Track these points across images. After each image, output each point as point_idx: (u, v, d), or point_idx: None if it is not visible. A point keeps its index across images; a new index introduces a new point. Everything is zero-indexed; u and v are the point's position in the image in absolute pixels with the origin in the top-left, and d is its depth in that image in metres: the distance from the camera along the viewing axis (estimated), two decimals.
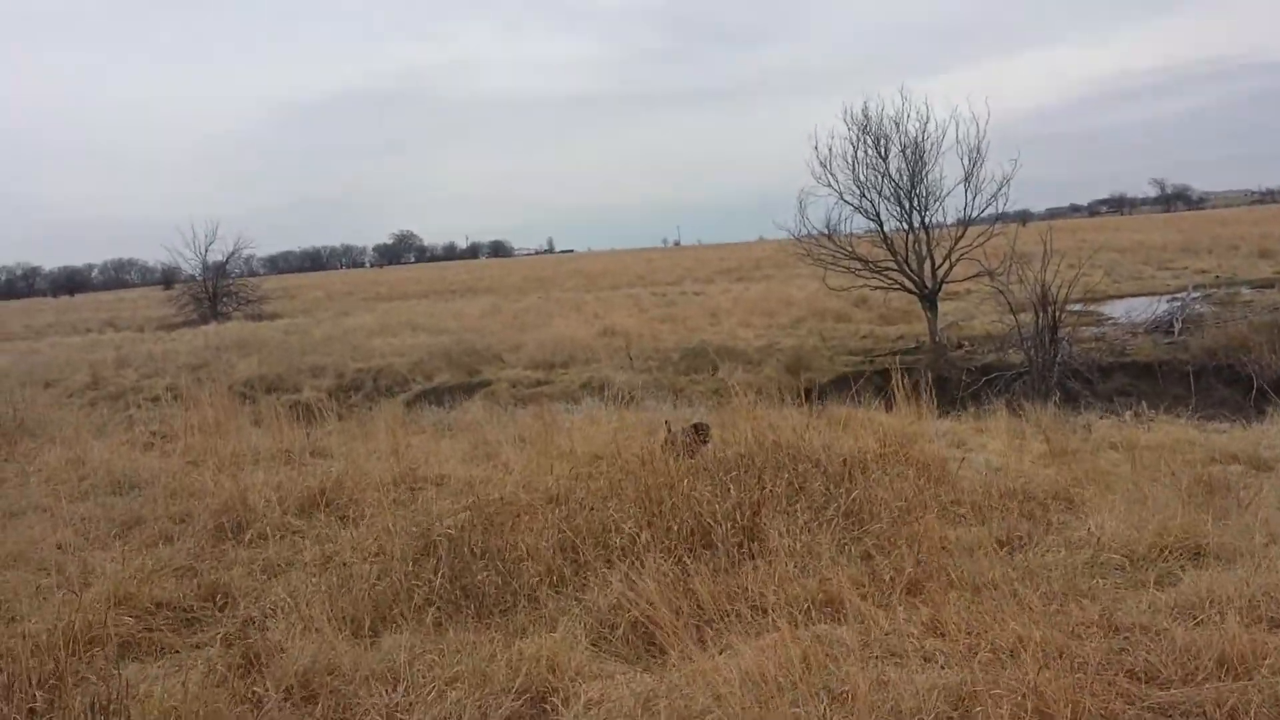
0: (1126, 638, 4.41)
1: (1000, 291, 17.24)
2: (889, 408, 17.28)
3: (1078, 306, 18.96)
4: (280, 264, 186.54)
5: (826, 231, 21.49)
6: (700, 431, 8.24)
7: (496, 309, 39.94)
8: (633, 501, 5.97)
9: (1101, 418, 14.30)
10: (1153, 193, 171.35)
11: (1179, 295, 28.45)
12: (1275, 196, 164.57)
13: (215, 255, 52.20)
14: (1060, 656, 4.12)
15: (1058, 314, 16.67)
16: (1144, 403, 17.19)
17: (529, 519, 5.84)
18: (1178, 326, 21.25)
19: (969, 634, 4.39)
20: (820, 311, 30.67)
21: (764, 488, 6.01)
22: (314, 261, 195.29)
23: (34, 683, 3.84)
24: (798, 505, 5.99)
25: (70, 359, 31.23)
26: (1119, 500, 7.05)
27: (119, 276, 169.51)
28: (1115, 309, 26.83)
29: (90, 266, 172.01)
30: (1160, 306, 23.81)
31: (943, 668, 4.18)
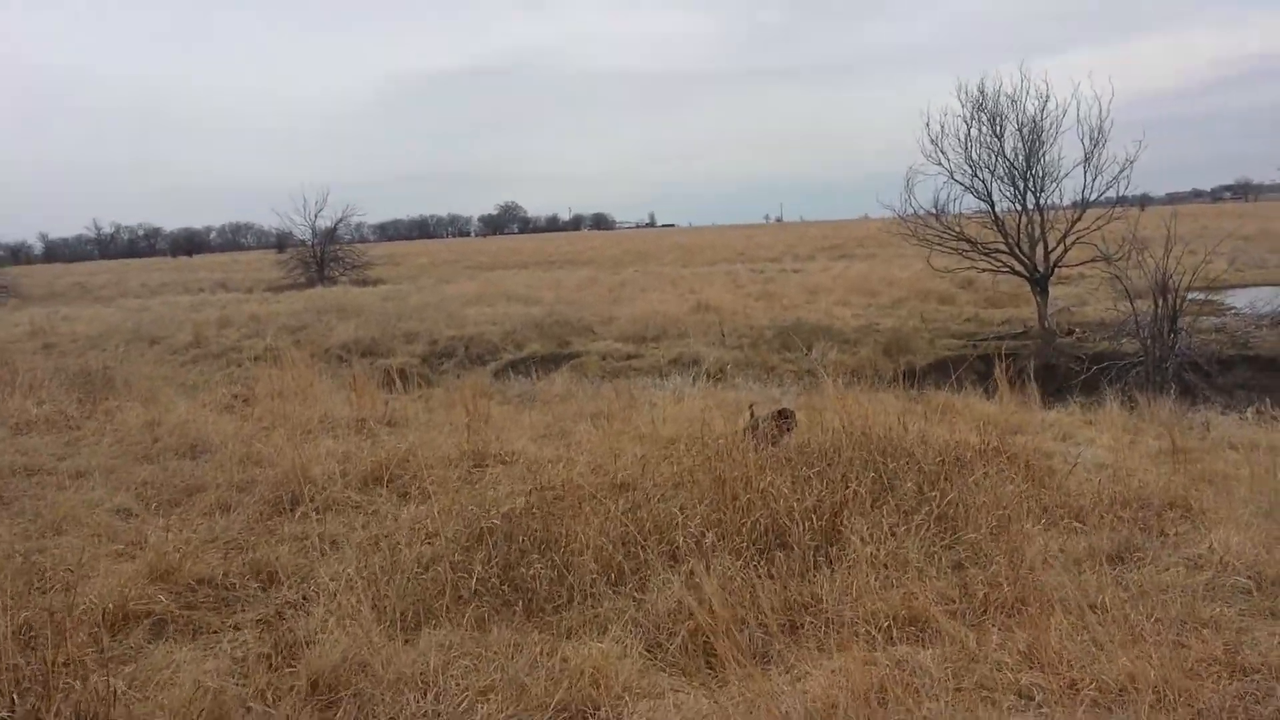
0: (1255, 680, 3.81)
1: (1117, 277, 16.22)
2: (991, 395, 16.55)
3: (1198, 295, 17.78)
4: (390, 231, 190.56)
5: (934, 211, 20.60)
6: (784, 418, 7.74)
7: (593, 281, 39.74)
8: (705, 494, 5.53)
9: (1221, 413, 13.35)
10: None
11: None
12: None
13: (324, 221, 53.07)
14: (1178, 699, 3.57)
15: (1178, 303, 15.63)
16: (1268, 399, 16.19)
17: (591, 507, 5.44)
18: None
19: (1072, 667, 3.85)
20: (923, 292, 29.70)
21: (847, 486, 5.49)
22: (421, 230, 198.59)
23: (13, 684, 3.58)
24: (884, 506, 5.47)
25: (177, 317, 32.05)
26: (1243, 511, 6.36)
27: (235, 239, 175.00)
28: (1238, 299, 25.26)
29: (209, 229, 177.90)
30: None
31: (1040, 706, 3.66)
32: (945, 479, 6.12)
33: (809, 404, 14.52)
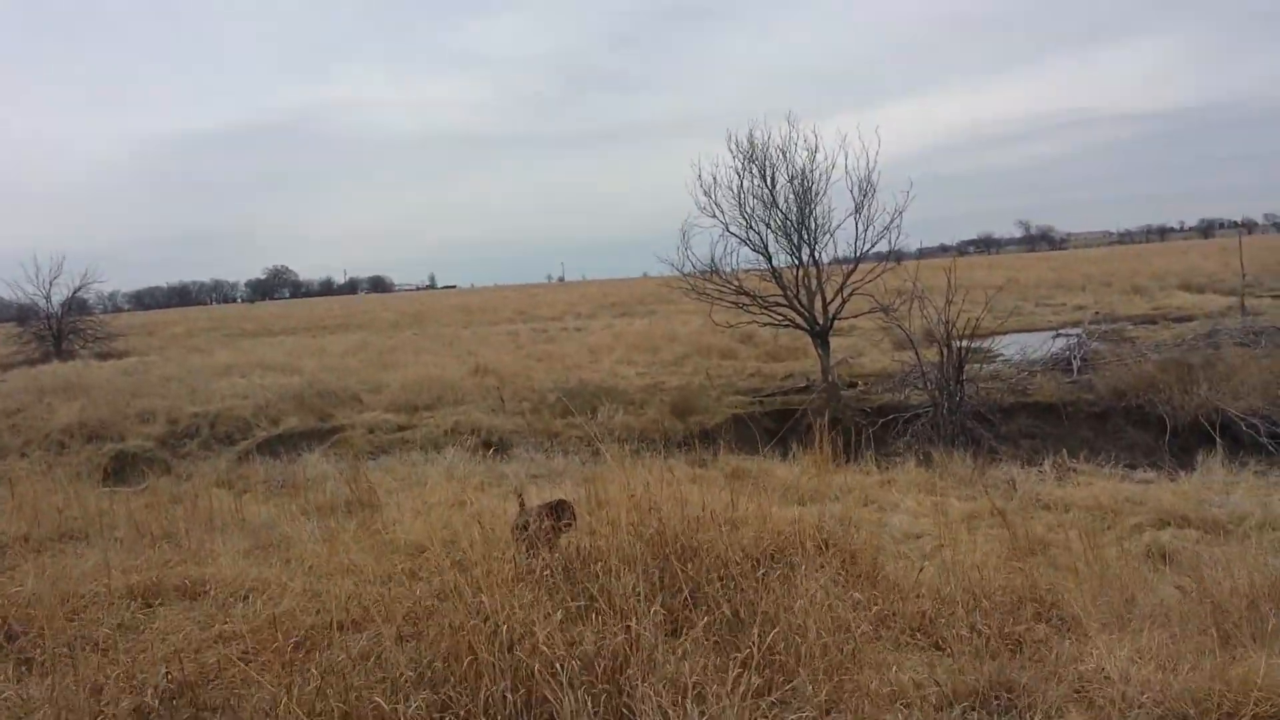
0: None
1: (899, 328, 15.77)
2: (785, 456, 15.77)
3: (968, 344, 17.62)
4: (146, 300, 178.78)
5: (711, 265, 19.88)
6: (559, 514, 6.25)
7: (364, 345, 37.28)
8: (436, 649, 3.94)
9: (1022, 467, 12.90)
10: (1018, 233, 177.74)
11: (1064, 331, 27.76)
12: (1133, 238, 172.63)
13: (62, 290, 47.97)
14: None
15: (964, 352, 15.29)
16: (1058, 448, 16.11)
17: (263, 682, 3.74)
18: (1076, 364, 20.25)
19: None
20: (705, 348, 29.16)
21: (628, 625, 4.00)
22: (182, 297, 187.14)
23: None
24: (687, 641, 4.05)
25: None
26: (1104, 602, 5.39)
27: None
28: (1005, 346, 25.79)
29: None
30: (1056, 343, 22.96)
31: None
32: (763, 587, 4.80)
33: (594, 478, 13.16)
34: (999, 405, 17.24)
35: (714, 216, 19.55)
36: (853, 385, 21.05)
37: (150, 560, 6.26)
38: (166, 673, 3.90)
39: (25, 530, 7.49)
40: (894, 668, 4.20)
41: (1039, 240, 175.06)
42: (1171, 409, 15.97)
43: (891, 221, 18.56)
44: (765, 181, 19.34)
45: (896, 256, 19.51)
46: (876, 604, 5.06)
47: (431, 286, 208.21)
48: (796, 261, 19.68)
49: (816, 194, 19.23)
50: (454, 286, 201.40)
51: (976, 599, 5.26)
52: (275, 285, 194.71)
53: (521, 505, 6.71)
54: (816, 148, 19.18)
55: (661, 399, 20.49)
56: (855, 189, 18.78)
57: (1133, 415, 16.87)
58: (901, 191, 19.52)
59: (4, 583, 5.60)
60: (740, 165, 19.38)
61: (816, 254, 19.51)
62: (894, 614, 5.05)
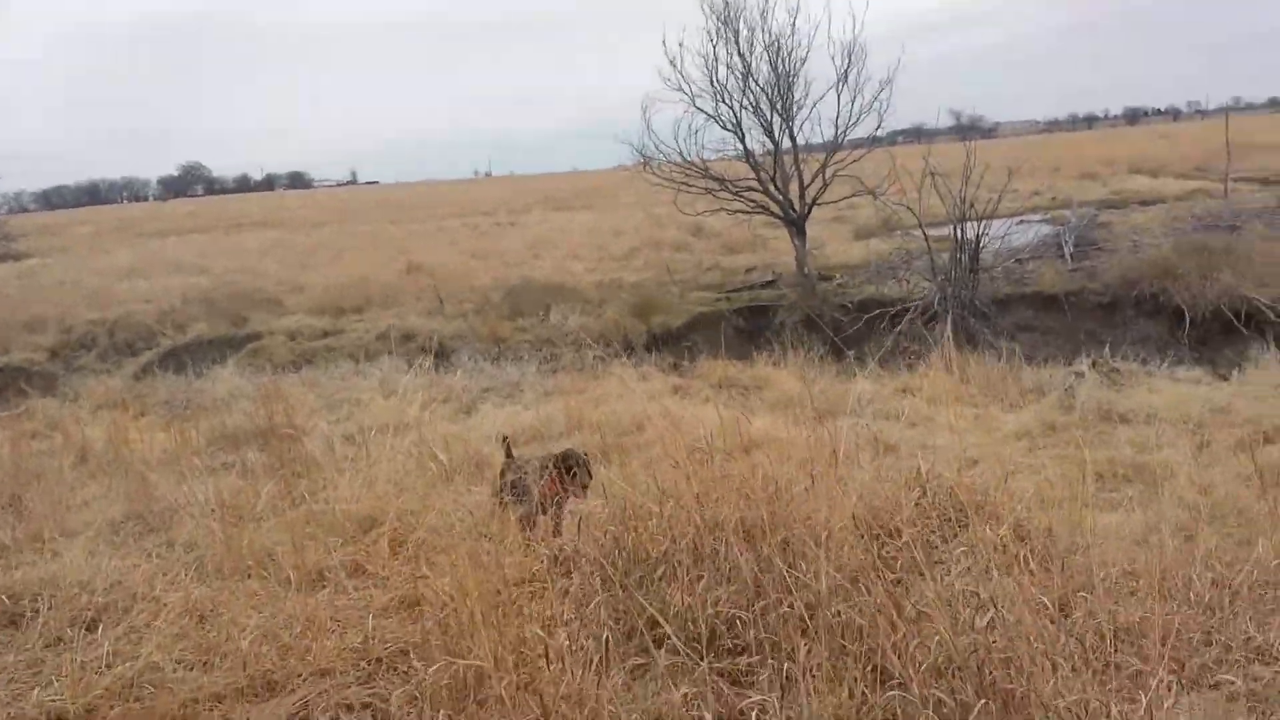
0: None
1: (909, 209, 13.89)
2: (768, 356, 14.21)
3: (985, 225, 15.79)
4: (54, 199, 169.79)
5: (676, 148, 17.65)
6: (570, 471, 4.26)
7: (282, 243, 34.37)
8: None
9: (1064, 366, 11.23)
10: (948, 123, 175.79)
11: (1025, 217, 26.20)
12: (1061, 126, 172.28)
13: None
14: None
15: (980, 238, 13.49)
16: (1061, 343, 14.69)
17: None
18: (1069, 250, 18.71)
19: None
20: (654, 241, 27.12)
21: None
22: (92, 196, 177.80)
23: None
24: None
25: None
26: None
27: None
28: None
29: None
30: (1042, 229, 21.55)
31: None
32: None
33: (562, 391, 11.23)
34: (994, 297, 15.63)
35: (680, 90, 17.29)
36: (827, 278, 19.26)
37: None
38: None
39: None
40: None
41: (969, 130, 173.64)
42: (1190, 297, 14.46)
43: (880, 92, 16.56)
44: (738, 48, 17.10)
45: (888, 138, 17.65)
46: (1094, 617, 3.25)
47: (353, 183, 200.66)
48: (771, 141, 17.60)
49: (796, 63, 17.07)
50: (376, 183, 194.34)
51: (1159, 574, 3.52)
52: (189, 183, 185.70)
53: (509, 454, 4.72)
54: (798, 8, 16.98)
55: (621, 297, 18.49)
56: (839, 55, 16.69)
57: (1144, 305, 15.37)
58: (891, 60, 17.49)
59: None
60: (713, 28, 17.07)
61: (794, 131, 17.45)
62: (1118, 631, 3.26)
